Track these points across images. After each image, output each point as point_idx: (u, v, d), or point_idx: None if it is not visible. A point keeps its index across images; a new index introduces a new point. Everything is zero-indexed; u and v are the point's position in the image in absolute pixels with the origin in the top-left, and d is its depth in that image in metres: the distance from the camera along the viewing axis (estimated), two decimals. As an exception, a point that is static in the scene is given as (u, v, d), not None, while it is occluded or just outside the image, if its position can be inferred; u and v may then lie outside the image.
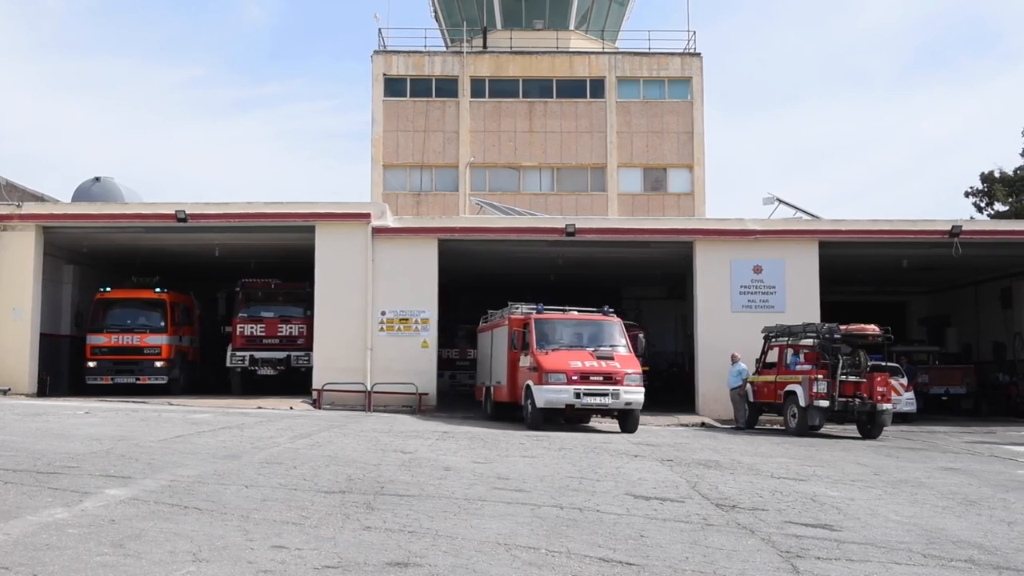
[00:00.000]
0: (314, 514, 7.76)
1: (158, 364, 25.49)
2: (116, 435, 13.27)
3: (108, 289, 26.20)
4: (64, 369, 26.50)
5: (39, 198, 29.76)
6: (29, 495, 8.04)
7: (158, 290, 26.37)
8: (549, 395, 18.16)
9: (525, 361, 19.26)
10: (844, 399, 19.66)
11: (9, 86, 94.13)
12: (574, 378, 18.19)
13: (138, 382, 25.17)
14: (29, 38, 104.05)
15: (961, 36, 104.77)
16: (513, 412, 20.73)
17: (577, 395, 18.12)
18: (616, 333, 19.87)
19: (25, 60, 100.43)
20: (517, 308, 20.75)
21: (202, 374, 29.08)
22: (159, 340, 25.70)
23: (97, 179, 28.82)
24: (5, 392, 23.25)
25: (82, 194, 28.37)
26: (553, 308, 20.65)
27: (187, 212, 24.07)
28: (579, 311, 20.69)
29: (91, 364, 25.39)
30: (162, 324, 25.87)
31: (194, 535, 6.70)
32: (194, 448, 12.08)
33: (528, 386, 18.79)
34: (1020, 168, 40.28)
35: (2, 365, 23.76)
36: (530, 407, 18.64)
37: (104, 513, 7.36)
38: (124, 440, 12.62)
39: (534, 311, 20.13)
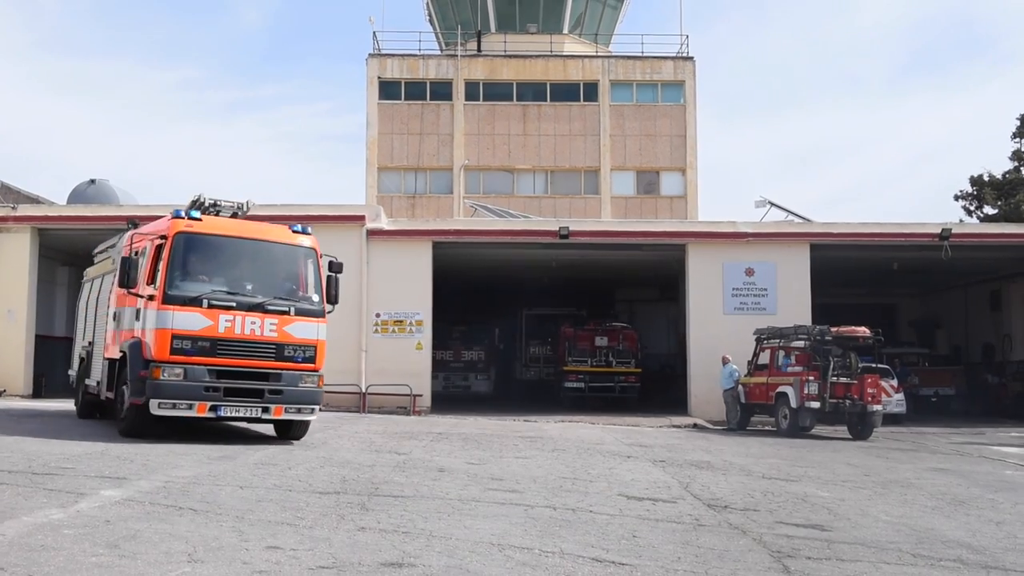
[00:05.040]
0: (309, 515, 7.75)
1: (309, 383, 13.34)
2: (111, 435, 13.20)
3: (198, 216, 13.30)
4: (60, 370, 26.34)
5: (34, 200, 29.70)
6: (24, 496, 8.02)
7: (298, 228, 14.11)
8: None
9: None
10: (835, 400, 19.73)
11: (4, 87, 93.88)
12: None
13: (265, 416, 13.09)
14: (25, 38, 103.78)
15: (953, 41, 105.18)
16: None
17: None
18: None
19: (21, 61, 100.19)
20: None
21: None
22: (311, 330, 13.49)
23: (92, 181, 28.74)
24: (0, 393, 23.17)
25: (77, 196, 28.29)
26: None
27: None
28: None
29: (170, 373, 12.33)
30: (315, 298, 13.71)
31: (189, 536, 6.69)
32: (188, 449, 12.04)
33: None
34: (1009, 172, 40.39)
35: (-3, 366, 23.68)
36: None
37: (99, 514, 7.34)
38: (118, 441, 12.57)
39: None
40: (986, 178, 40.55)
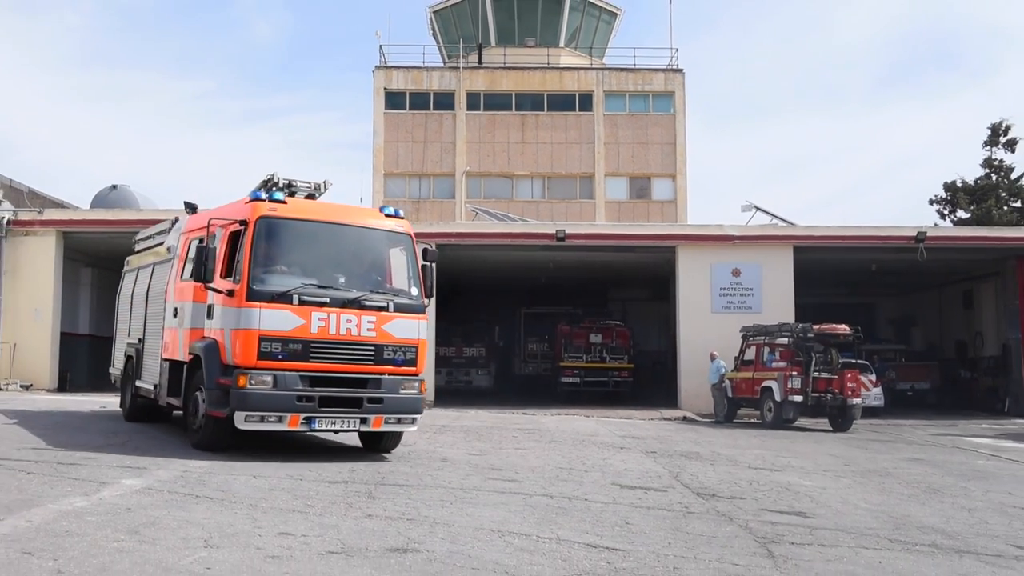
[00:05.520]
0: (318, 503, 7.75)
1: (411, 389, 10.95)
2: (131, 428, 13.22)
3: (281, 198, 10.85)
4: (83, 366, 26.35)
5: (59, 204, 29.69)
6: (50, 484, 8.02)
7: (390, 211, 11.92)
8: None
9: None
10: (817, 394, 19.75)
11: (32, 97, 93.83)
12: None
13: (363, 428, 10.79)
14: (52, 52, 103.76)
15: (928, 55, 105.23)
16: None
17: None
18: None
19: (47, 73, 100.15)
20: None
21: None
22: (411, 328, 11.21)
23: (114, 187, 28.74)
24: (27, 387, 23.18)
25: (100, 201, 28.29)
26: None
27: (199, 218, 23.88)
28: None
29: (258, 381, 10.00)
30: (414, 292, 11.57)
31: (205, 522, 6.69)
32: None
33: None
34: (981, 178, 40.42)
35: (24, 362, 23.71)
36: None
37: (120, 502, 7.34)
38: (139, 433, 12.58)
39: None
40: (959, 184, 40.56)
